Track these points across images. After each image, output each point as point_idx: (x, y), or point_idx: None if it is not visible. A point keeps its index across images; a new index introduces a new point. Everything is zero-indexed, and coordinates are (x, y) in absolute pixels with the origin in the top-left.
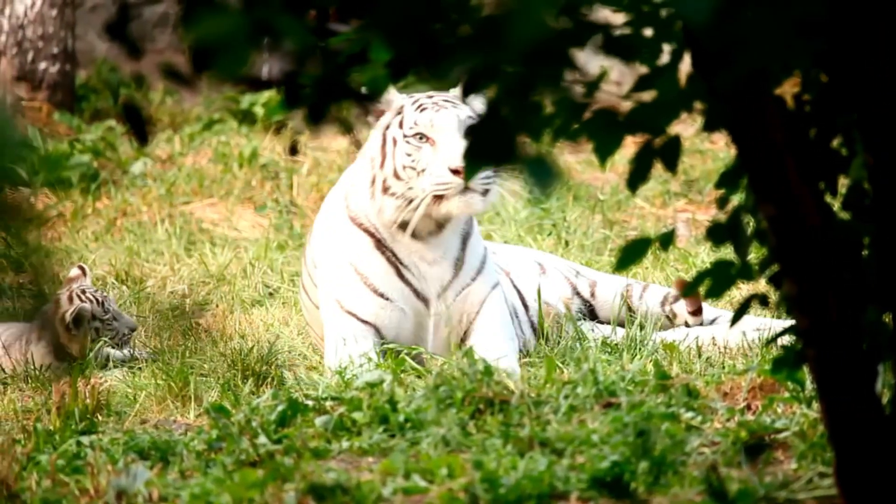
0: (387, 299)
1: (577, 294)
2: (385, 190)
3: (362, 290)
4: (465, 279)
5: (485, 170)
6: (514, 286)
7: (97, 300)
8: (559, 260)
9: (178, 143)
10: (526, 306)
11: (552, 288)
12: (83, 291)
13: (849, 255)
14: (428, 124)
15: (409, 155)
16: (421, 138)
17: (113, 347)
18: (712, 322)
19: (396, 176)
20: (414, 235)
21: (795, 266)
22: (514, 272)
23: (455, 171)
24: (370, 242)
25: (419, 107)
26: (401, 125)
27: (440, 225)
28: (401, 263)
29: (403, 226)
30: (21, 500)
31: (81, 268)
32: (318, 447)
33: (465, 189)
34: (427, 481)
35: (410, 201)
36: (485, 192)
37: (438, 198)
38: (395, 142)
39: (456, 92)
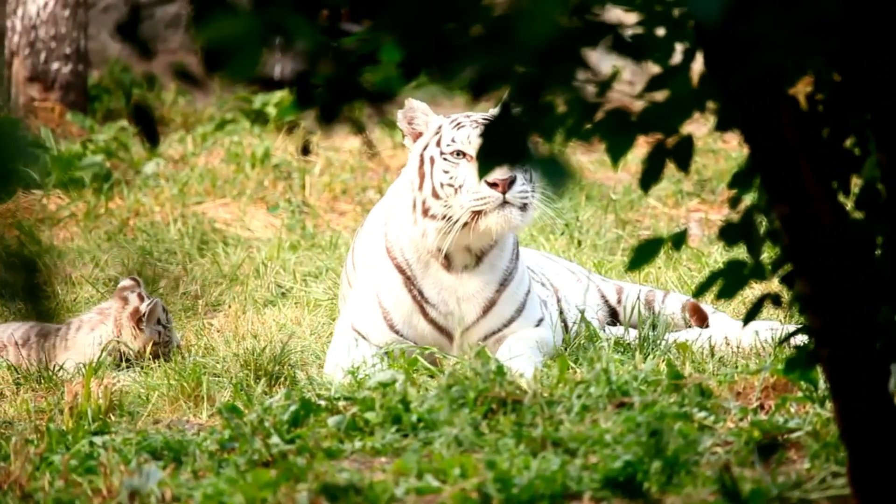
0: (401, 336)
1: (606, 301)
2: (425, 212)
3: (379, 323)
4: (493, 323)
5: (520, 181)
6: (560, 307)
7: (163, 307)
8: (581, 267)
9: (190, 144)
10: (567, 327)
11: (584, 297)
12: (150, 295)
13: (862, 255)
14: (465, 140)
15: (446, 172)
16: (458, 155)
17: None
18: None
19: (435, 195)
20: (450, 269)
21: (808, 266)
22: (563, 290)
23: (493, 185)
24: (399, 280)
25: (457, 125)
26: (438, 144)
27: (478, 258)
28: (427, 302)
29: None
30: (34, 501)
31: (135, 279)
32: (330, 447)
33: (504, 203)
34: (440, 481)
35: (451, 221)
36: (523, 207)
37: (477, 214)
38: (432, 161)
39: (494, 112)
